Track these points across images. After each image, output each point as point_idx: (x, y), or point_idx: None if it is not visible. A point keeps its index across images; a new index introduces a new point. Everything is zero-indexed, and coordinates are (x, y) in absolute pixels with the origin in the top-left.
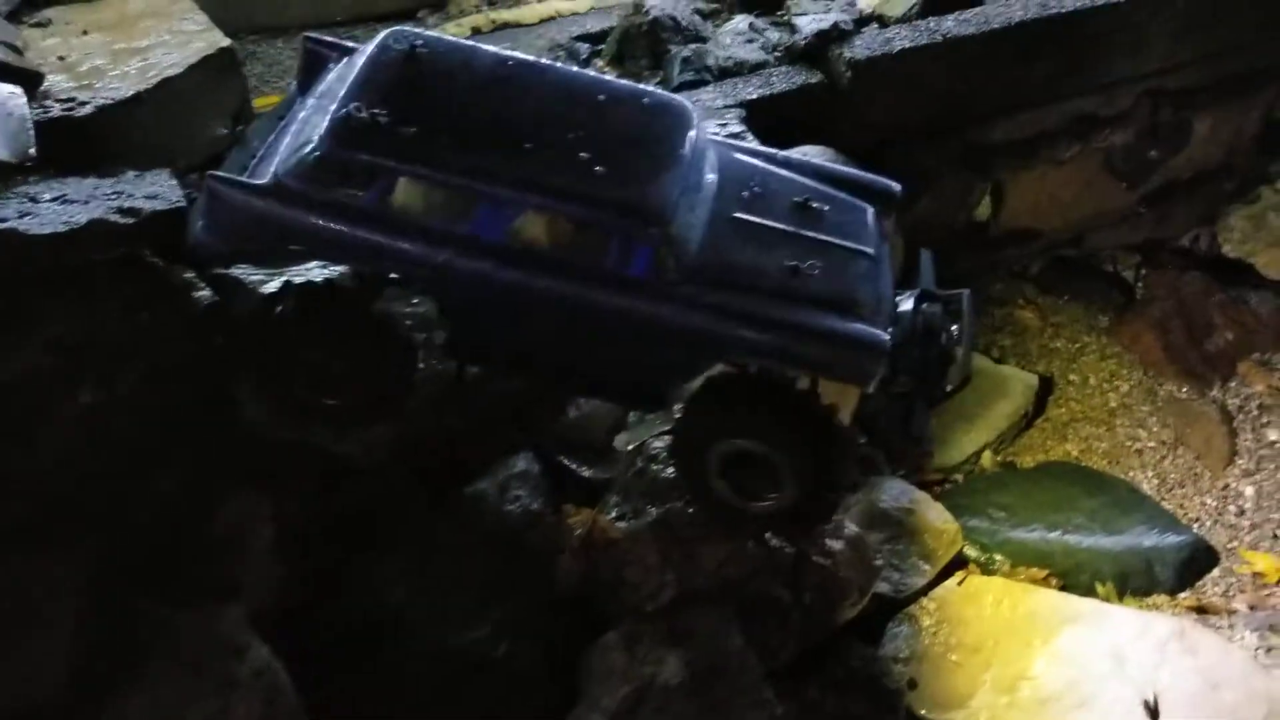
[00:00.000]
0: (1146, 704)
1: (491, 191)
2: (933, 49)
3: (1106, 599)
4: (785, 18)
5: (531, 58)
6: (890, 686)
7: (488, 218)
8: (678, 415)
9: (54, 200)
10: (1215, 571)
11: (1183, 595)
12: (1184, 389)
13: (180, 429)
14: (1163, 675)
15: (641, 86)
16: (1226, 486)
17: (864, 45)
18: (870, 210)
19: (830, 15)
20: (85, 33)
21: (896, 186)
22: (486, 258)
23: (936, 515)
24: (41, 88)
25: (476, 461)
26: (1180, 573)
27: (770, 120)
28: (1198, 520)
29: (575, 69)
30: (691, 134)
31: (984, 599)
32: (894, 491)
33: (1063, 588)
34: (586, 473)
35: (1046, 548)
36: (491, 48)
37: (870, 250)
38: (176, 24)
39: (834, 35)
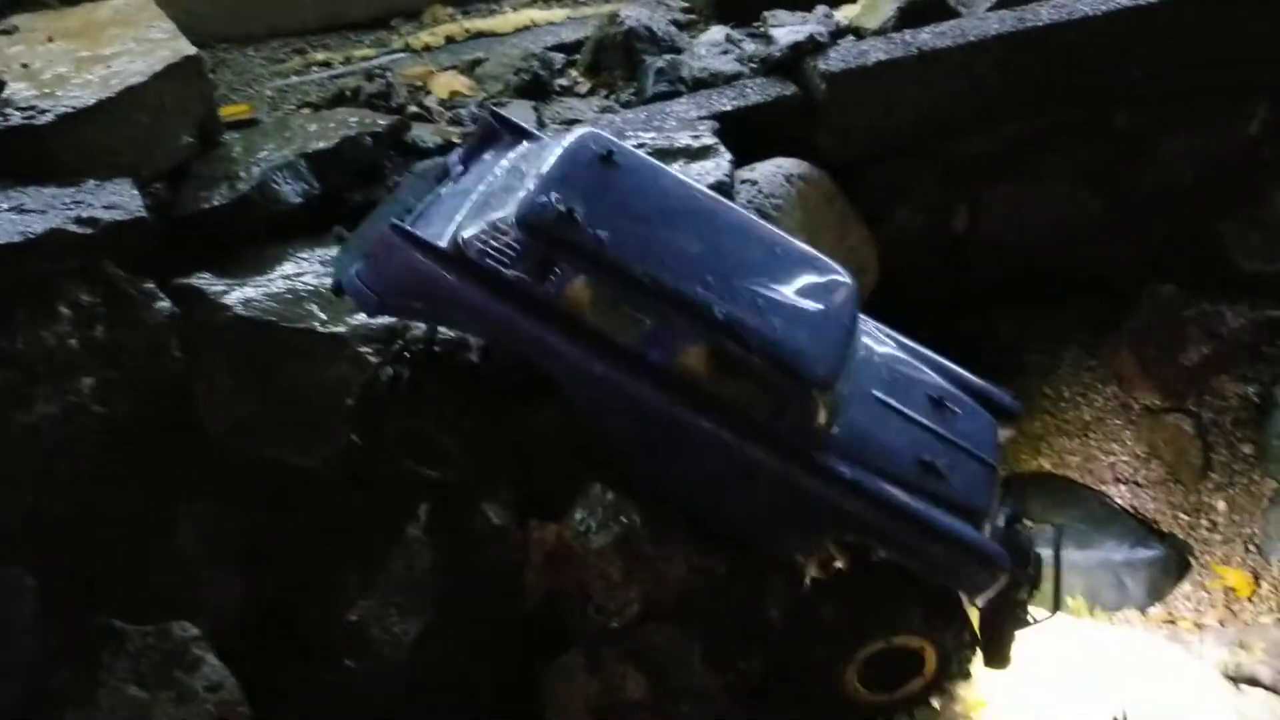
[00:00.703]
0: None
1: (672, 315)
2: (908, 61)
3: (1076, 613)
4: (761, 29)
5: (710, 192)
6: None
7: (658, 340)
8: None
9: (11, 210)
10: (1186, 586)
11: (1153, 610)
12: (1159, 402)
13: (139, 443)
14: (1132, 692)
15: (811, 249)
16: (1199, 500)
17: (839, 57)
18: (994, 422)
19: (806, 27)
20: (50, 40)
21: (1019, 405)
22: (643, 377)
23: None
24: (2, 95)
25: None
26: (1151, 587)
27: (745, 133)
28: (1170, 534)
29: (750, 214)
30: (857, 307)
31: None
32: None
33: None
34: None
35: None
36: (675, 172)
37: (993, 463)
38: (143, 32)
39: (809, 47)
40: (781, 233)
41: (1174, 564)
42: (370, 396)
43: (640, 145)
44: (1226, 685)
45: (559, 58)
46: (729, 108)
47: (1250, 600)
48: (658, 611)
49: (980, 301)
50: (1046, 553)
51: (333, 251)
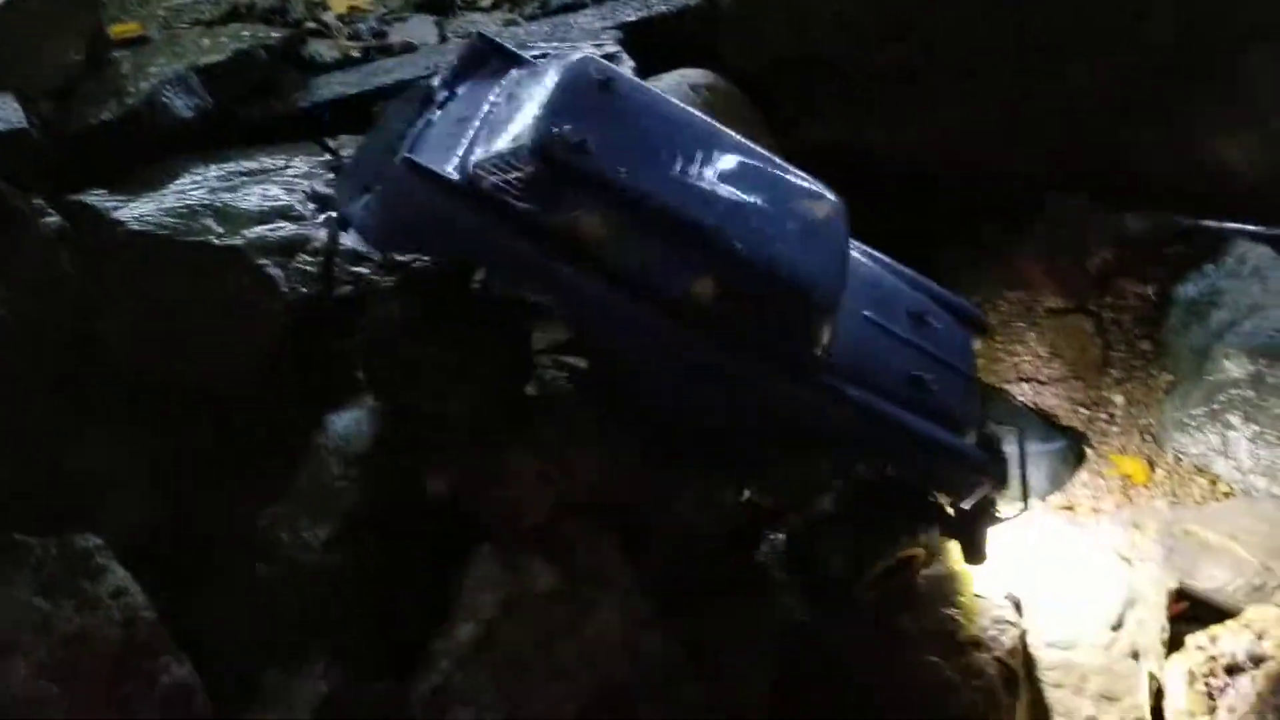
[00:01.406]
0: (1010, 597)
1: (685, 245)
2: None
3: None
4: None
5: (705, 116)
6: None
7: (670, 269)
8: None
9: None
10: (1085, 475)
11: (1054, 498)
12: (1062, 304)
13: (37, 358)
14: (1032, 572)
15: (802, 172)
16: (1099, 394)
17: None
18: (967, 333)
19: None
20: None
21: (984, 316)
22: (656, 306)
23: None
24: None
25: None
26: (1052, 477)
27: (650, 43)
28: (1070, 428)
29: (743, 139)
30: (849, 228)
31: None
32: None
33: None
34: None
35: None
36: (673, 98)
37: (971, 374)
38: None
39: None
40: (772, 155)
41: (1073, 455)
42: (309, 316)
43: (544, 55)
44: (1120, 562)
45: None
46: (633, 18)
47: (1145, 486)
48: (572, 507)
49: (890, 211)
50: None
51: (242, 165)
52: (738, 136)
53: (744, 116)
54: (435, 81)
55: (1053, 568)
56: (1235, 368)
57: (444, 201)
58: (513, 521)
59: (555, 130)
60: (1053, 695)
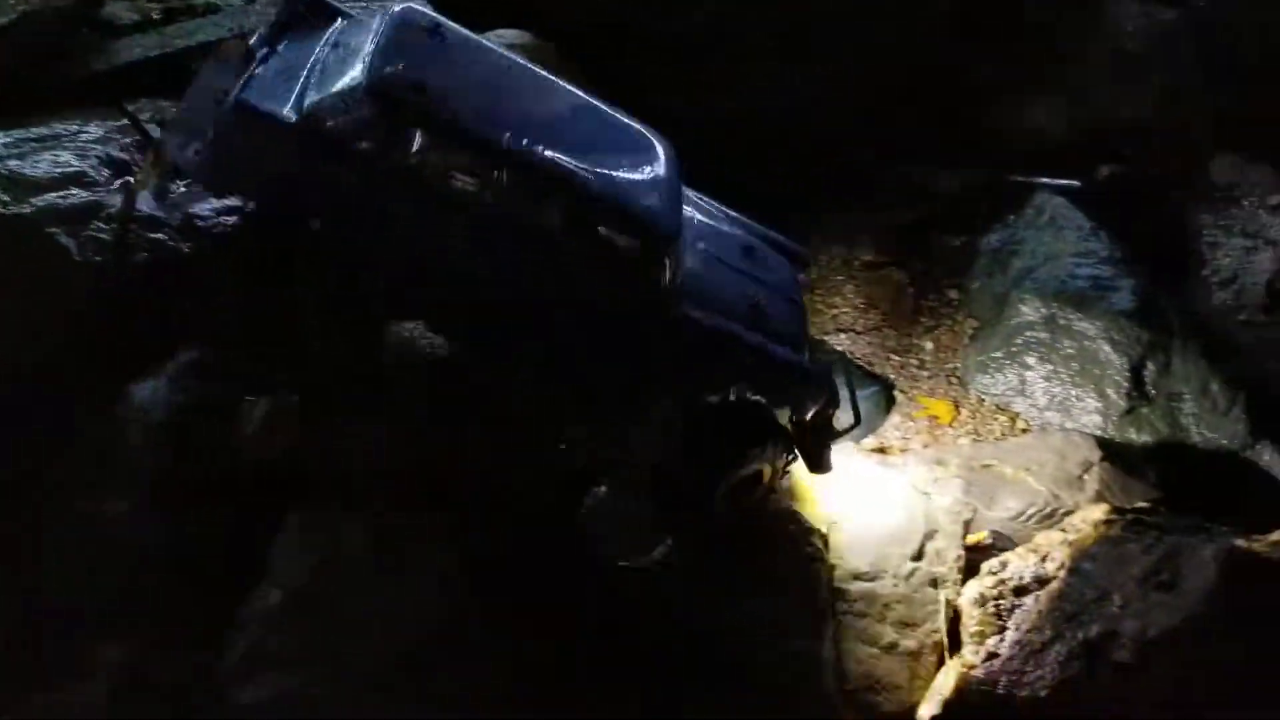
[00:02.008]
0: (819, 536)
1: (527, 182)
2: None
3: None
4: None
5: (537, 67)
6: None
7: (514, 204)
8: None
9: None
10: (896, 418)
11: (867, 441)
12: (876, 258)
13: None
14: (842, 511)
15: (631, 119)
16: (910, 342)
17: None
18: (791, 266)
19: None
20: None
21: (807, 251)
22: (499, 241)
23: None
24: None
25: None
26: (865, 421)
27: (467, 6)
28: (882, 375)
29: (570, 85)
30: (681, 170)
31: None
32: None
33: None
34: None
35: None
36: (494, 45)
37: (799, 301)
38: None
39: None
40: (602, 103)
41: (884, 400)
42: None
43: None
44: (921, 498)
45: None
46: None
47: (951, 426)
48: (381, 469)
49: (716, 171)
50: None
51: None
52: (568, 84)
53: (561, 74)
54: (254, 40)
55: (861, 506)
56: (1031, 312)
57: (278, 144)
58: (324, 485)
59: (390, 70)
60: (857, 625)
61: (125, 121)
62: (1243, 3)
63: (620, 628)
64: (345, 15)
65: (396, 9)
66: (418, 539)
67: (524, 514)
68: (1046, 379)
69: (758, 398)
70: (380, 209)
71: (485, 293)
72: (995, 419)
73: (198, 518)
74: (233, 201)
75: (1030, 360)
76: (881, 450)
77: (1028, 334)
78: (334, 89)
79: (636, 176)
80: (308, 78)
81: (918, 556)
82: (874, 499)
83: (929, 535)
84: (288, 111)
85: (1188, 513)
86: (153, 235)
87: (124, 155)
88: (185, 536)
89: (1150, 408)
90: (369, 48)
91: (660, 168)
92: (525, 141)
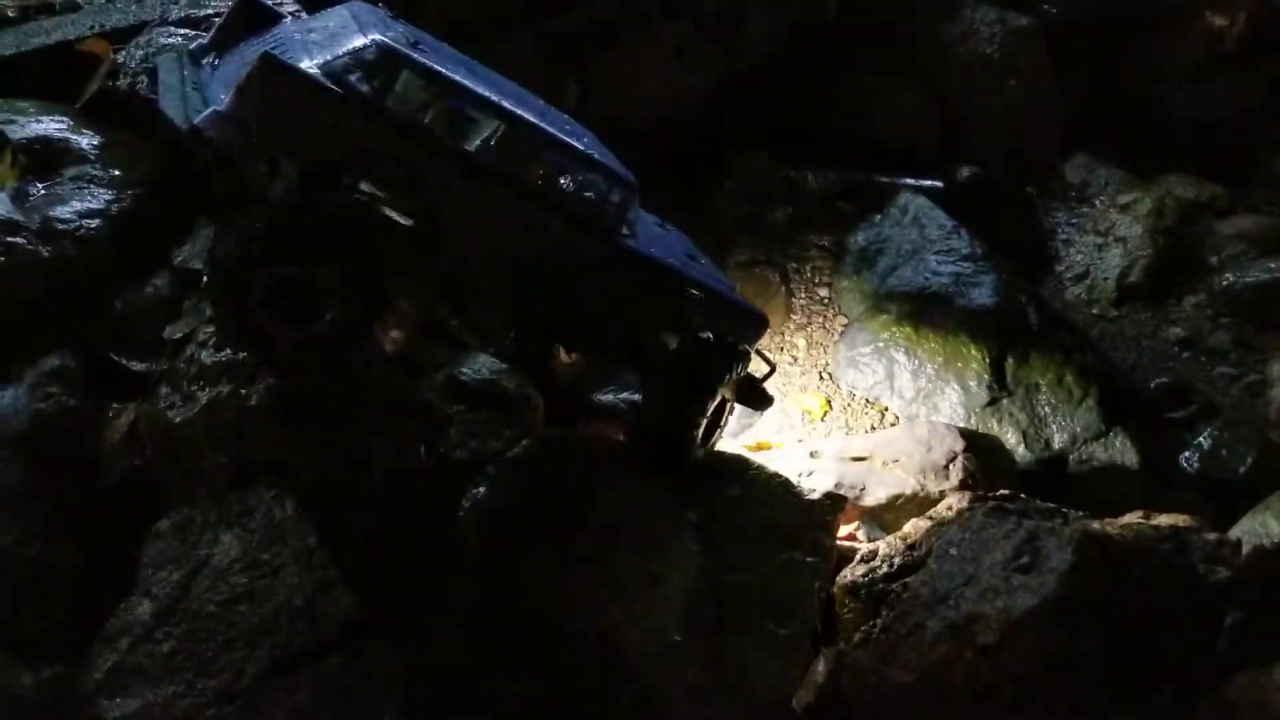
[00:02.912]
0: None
1: (516, 137)
2: None
3: None
4: None
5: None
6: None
7: (506, 154)
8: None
9: None
10: (771, 414)
11: (743, 438)
12: (750, 256)
13: None
14: (716, 500)
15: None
16: (784, 340)
17: None
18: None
19: None
20: None
21: None
22: (500, 187)
23: (518, 385)
24: None
25: None
26: (741, 420)
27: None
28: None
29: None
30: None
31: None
32: (476, 365)
33: None
34: (138, 366)
35: (616, 404)
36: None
37: (707, 258)
38: None
39: None
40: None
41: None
42: None
43: (218, 14)
44: (791, 488)
45: None
46: None
47: (824, 420)
48: (251, 474)
49: None
50: None
51: None
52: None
53: None
54: (198, 46)
55: (736, 498)
56: (896, 309)
57: (311, 91)
58: (191, 491)
59: (389, 34)
60: (733, 613)
61: None
62: (1093, 7)
63: (498, 621)
64: (283, 16)
65: (349, 3)
66: (291, 543)
67: (406, 514)
68: (913, 374)
69: (711, 332)
70: (398, 153)
71: (487, 242)
72: (866, 413)
73: (63, 529)
74: (94, 205)
75: (897, 355)
76: (758, 446)
77: (894, 330)
78: (344, 49)
79: (594, 143)
80: (317, 45)
81: (792, 546)
82: (748, 494)
83: (804, 526)
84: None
85: (1044, 497)
86: (9, 239)
87: None
88: (53, 549)
89: (1010, 399)
90: (358, 22)
91: (597, 141)
92: (505, 99)
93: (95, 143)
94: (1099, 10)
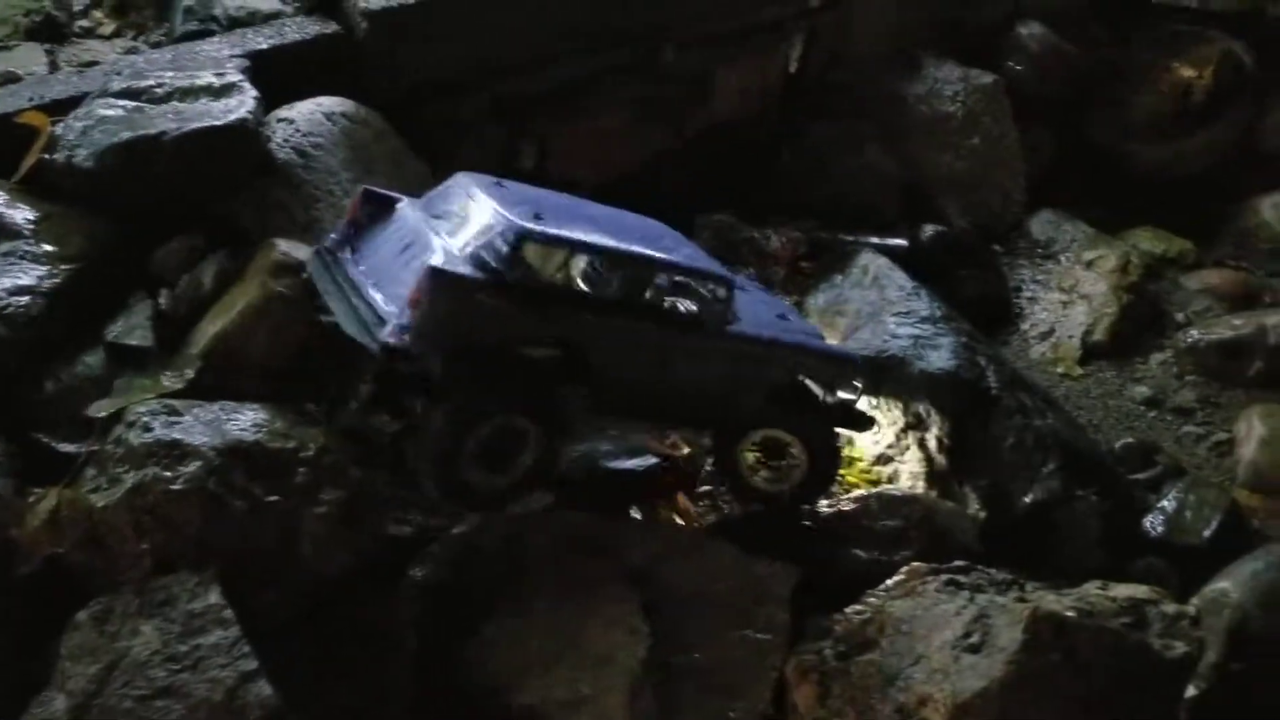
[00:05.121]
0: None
1: (636, 268)
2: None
3: None
4: None
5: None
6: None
7: (629, 286)
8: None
9: None
10: None
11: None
12: None
13: None
14: (667, 575)
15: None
16: None
17: None
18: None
19: None
20: None
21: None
22: (630, 317)
23: None
24: None
25: None
26: None
27: (283, 73)
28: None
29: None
30: None
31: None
32: None
33: None
34: (67, 448)
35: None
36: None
37: (790, 306)
38: None
39: None
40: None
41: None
42: None
43: (160, 85)
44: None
45: None
46: (265, 46)
47: None
48: (174, 561)
49: None
50: None
51: None
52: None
53: (387, 144)
54: (330, 240)
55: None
56: None
57: (479, 292)
58: (113, 579)
59: (515, 209)
60: (683, 692)
61: None
62: (1055, 67)
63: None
64: (398, 199)
65: (459, 176)
66: (214, 634)
67: (339, 597)
68: (874, 439)
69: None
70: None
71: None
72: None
73: None
74: (25, 281)
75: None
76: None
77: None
78: (483, 240)
79: (683, 245)
80: (424, 246)
81: (745, 624)
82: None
83: (757, 601)
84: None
85: (1004, 564)
86: None
87: None
88: None
89: (970, 464)
90: (479, 203)
91: (677, 233)
92: (611, 237)
93: (30, 217)
94: (1065, 66)
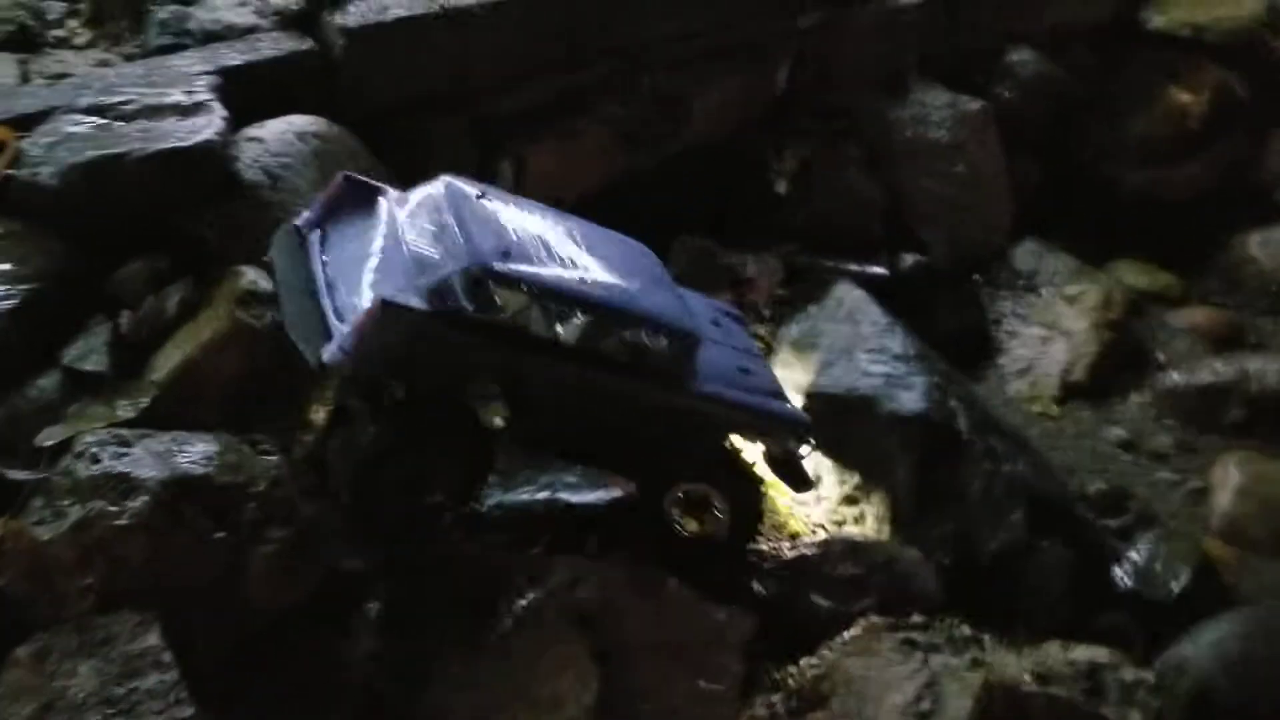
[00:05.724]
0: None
1: (598, 316)
2: (430, 18)
3: None
4: None
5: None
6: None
7: (588, 331)
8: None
9: None
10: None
11: None
12: None
13: None
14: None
15: (620, 234)
16: None
17: (358, 12)
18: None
19: None
20: None
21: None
22: (580, 363)
23: None
24: None
25: None
26: None
27: (256, 90)
28: None
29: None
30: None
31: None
32: None
33: None
34: (18, 475)
35: None
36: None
37: (758, 353)
38: None
39: (328, 1)
40: (590, 222)
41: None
42: None
43: (128, 101)
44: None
45: (57, 6)
46: (238, 62)
47: None
48: (119, 596)
49: None
50: None
51: None
52: (579, 219)
53: (359, 164)
54: (303, 223)
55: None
56: (825, 408)
57: (423, 325)
58: (55, 615)
59: (485, 248)
60: None
61: None
62: (1044, 94)
63: None
64: (386, 193)
65: (443, 182)
66: (153, 674)
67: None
68: (840, 481)
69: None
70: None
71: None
72: (788, 521)
73: None
74: None
75: (823, 460)
76: None
77: (820, 432)
78: (442, 274)
79: (657, 288)
80: (387, 266)
81: (698, 673)
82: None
83: (711, 649)
84: (414, 299)
85: (968, 614)
86: None
87: None
88: None
89: (936, 510)
90: (453, 227)
91: (665, 276)
92: (588, 287)
93: None
94: (1055, 93)
